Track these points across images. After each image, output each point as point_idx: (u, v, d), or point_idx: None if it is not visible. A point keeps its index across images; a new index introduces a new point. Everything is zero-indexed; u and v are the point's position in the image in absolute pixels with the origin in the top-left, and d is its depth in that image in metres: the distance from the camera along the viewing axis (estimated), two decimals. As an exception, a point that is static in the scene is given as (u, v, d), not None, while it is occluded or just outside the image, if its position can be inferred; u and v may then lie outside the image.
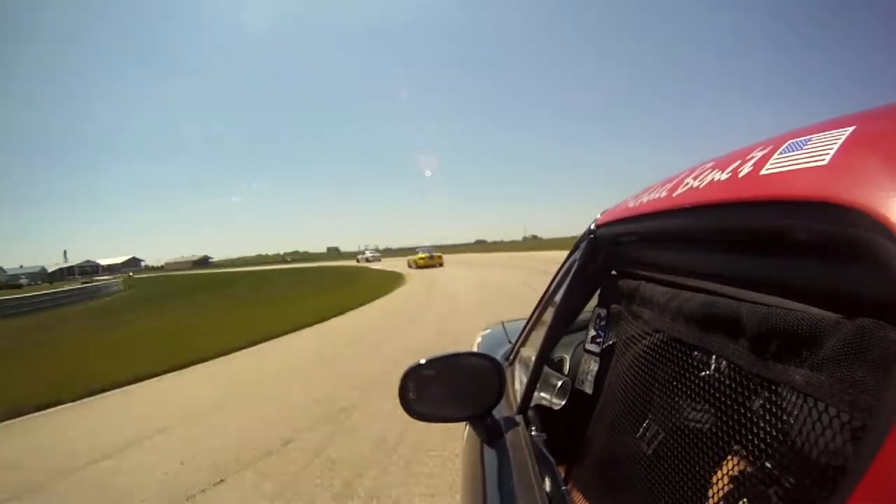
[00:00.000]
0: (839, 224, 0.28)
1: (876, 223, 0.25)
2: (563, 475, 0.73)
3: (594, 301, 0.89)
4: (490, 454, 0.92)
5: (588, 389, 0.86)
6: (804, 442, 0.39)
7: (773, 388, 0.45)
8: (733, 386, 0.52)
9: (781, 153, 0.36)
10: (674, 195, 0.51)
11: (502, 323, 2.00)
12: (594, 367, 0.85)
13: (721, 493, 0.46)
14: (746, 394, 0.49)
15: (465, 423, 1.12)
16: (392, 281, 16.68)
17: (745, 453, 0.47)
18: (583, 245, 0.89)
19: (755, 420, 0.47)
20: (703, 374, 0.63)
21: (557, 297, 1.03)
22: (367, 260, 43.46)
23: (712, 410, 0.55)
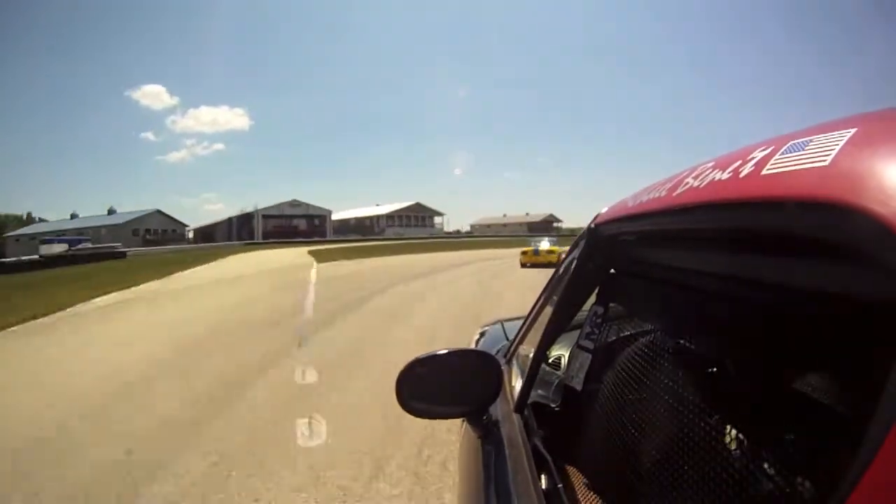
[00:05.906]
0: (840, 224, 0.28)
1: (876, 224, 0.25)
2: (559, 473, 0.73)
3: (592, 299, 0.89)
4: (487, 451, 0.93)
5: (585, 387, 0.86)
6: (803, 441, 0.39)
7: (772, 387, 0.45)
8: (731, 385, 0.52)
9: (783, 153, 0.36)
10: (674, 194, 0.51)
11: (501, 321, 2.00)
12: (591, 365, 0.85)
13: (718, 493, 0.47)
14: (744, 393, 0.49)
15: (462, 419, 1.12)
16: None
17: (743, 452, 0.47)
18: (582, 243, 0.89)
19: (753, 419, 0.47)
20: (701, 372, 0.63)
21: (556, 296, 1.03)
22: None
23: (710, 409, 0.56)
